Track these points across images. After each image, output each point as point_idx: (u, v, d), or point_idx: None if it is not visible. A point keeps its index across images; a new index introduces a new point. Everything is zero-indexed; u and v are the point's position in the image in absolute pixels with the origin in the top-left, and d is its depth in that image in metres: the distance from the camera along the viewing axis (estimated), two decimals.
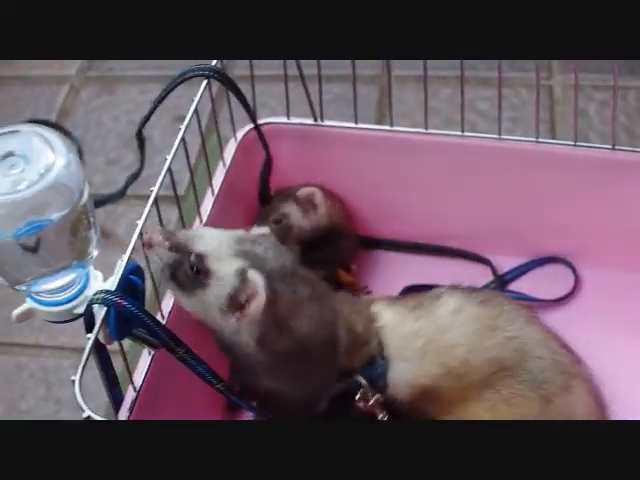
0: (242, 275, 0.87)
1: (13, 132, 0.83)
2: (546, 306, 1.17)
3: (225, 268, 0.88)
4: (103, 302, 0.85)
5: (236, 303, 0.87)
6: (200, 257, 0.88)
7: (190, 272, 0.88)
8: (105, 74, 1.66)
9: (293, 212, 1.17)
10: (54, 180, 0.81)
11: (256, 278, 0.86)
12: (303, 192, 1.17)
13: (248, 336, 0.89)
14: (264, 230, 0.94)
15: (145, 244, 0.89)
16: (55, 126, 1.56)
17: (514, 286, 1.21)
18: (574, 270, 1.21)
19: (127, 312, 0.85)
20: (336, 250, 1.18)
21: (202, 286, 0.88)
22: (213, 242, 0.89)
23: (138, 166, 1.20)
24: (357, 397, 0.94)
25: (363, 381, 0.94)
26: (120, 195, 1.40)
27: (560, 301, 1.19)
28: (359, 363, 0.95)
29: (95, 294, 0.86)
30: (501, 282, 1.20)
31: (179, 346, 0.88)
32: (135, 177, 1.26)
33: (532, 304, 1.15)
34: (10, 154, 0.82)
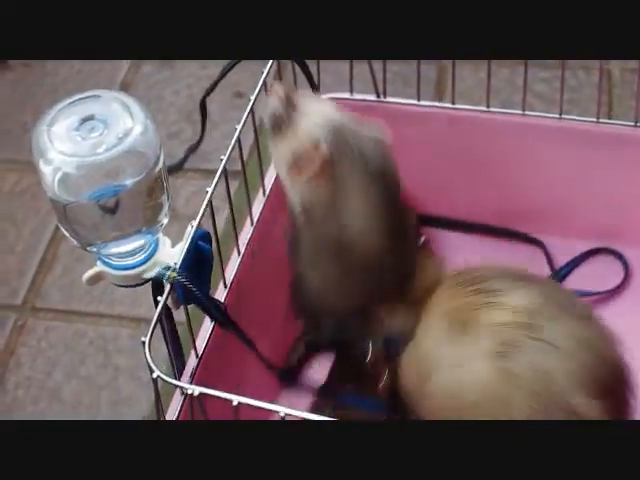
0: (316, 144, 0.91)
1: (94, 97, 0.86)
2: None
3: (309, 129, 0.92)
4: (169, 280, 0.88)
5: (297, 163, 0.92)
6: (297, 113, 0.93)
7: (284, 119, 0.93)
8: None
9: None
10: (131, 145, 0.83)
11: (323, 150, 0.90)
12: None
13: (299, 198, 0.93)
14: (378, 133, 0.95)
15: (268, 90, 0.96)
16: None
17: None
18: (626, 264, 1.21)
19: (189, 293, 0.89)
20: None
21: (284, 135, 0.93)
22: (319, 109, 0.94)
23: (197, 138, 1.22)
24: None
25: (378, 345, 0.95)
26: (179, 167, 1.43)
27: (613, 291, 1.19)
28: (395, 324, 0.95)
29: (163, 269, 0.89)
30: (558, 278, 1.20)
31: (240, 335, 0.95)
32: (194, 149, 1.27)
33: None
34: (91, 117, 0.84)
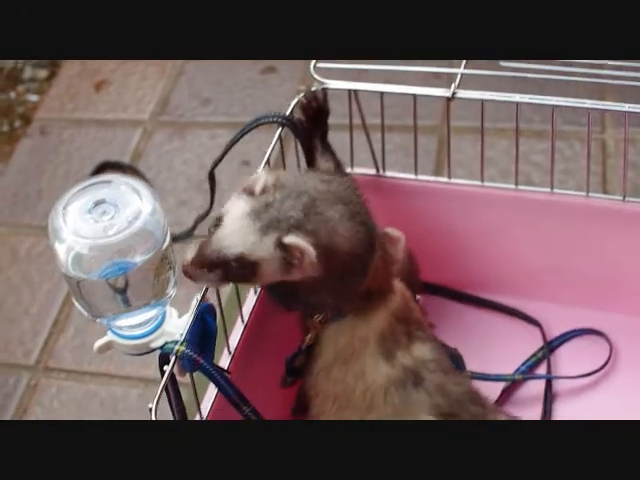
0: (281, 246, 0.94)
1: (105, 182, 0.91)
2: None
3: (264, 251, 0.94)
4: (175, 354, 0.93)
5: (291, 265, 0.95)
6: (239, 259, 0.94)
7: (241, 272, 0.95)
8: (177, 119, 1.74)
9: None
10: (141, 227, 0.89)
11: (293, 241, 0.93)
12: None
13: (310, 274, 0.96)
14: (266, 179, 0.97)
15: (188, 277, 0.95)
16: (129, 168, 1.64)
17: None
18: (611, 347, 1.24)
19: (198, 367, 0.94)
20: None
21: (257, 273, 0.95)
22: (238, 237, 0.94)
23: (207, 206, 1.26)
24: None
25: None
26: (189, 234, 1.47)
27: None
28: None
29: (168, 344, 0.94)
30: (549, 349, 1.25)
31: (245, 404, 0.98)
32: (204, 217, 1.32)
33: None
34: (102, 201, 0.90)
